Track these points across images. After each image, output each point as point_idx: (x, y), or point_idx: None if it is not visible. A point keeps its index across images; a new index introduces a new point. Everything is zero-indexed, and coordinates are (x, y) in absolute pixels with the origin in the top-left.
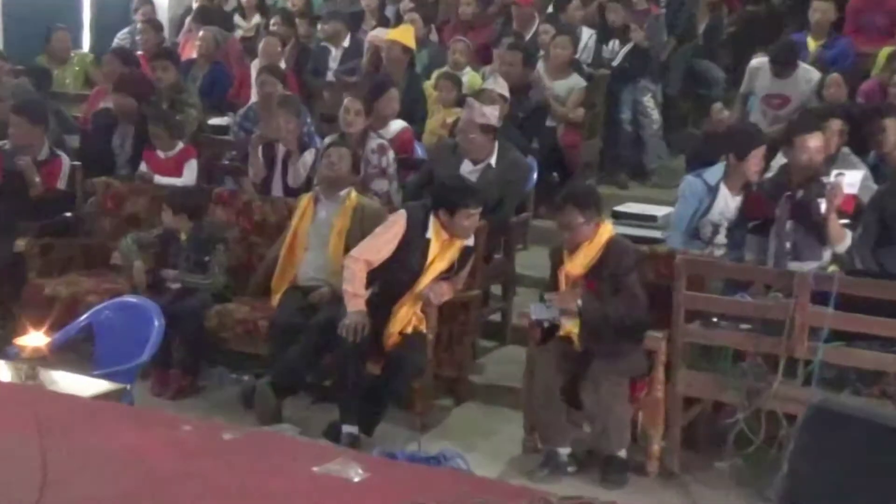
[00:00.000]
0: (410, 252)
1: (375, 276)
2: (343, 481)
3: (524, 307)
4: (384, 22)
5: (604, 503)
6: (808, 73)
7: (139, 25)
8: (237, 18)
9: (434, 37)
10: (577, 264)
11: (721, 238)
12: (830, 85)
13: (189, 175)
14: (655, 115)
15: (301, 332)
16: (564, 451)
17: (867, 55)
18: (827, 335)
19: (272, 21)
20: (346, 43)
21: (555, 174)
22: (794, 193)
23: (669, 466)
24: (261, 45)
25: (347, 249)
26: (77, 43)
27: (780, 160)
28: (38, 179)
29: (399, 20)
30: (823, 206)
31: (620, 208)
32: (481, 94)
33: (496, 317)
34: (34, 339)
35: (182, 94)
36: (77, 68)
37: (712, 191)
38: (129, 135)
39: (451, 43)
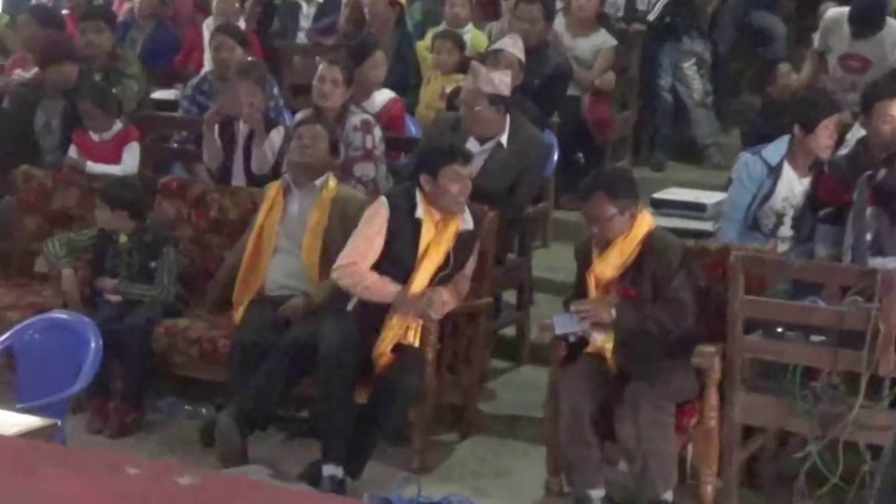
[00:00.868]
0: (399, 245)
1: None
2: None
3: (544, 318)
4: None
5: None
6: (894, 31)
7: None
8: None
9: None
10: (608, 265)
11: (786, 230)
12: None
13: (129, 162)
14: (702, 80)
15: (270, 354)
16: (597, 495)
17: None
18: None
19: None
20: None
21: (579, 154)
22: (875, 173)
23: None
24: (215, 0)
25: (326, 250)
26: None
27: (857, 132)
28: None
29: None
30: None
31: (661, 195)
32: (489, 57)
33: (510, 331)
34: None
35: (119, 63)
36: None
37: (774, 172)
38: (56, 113)
39: None
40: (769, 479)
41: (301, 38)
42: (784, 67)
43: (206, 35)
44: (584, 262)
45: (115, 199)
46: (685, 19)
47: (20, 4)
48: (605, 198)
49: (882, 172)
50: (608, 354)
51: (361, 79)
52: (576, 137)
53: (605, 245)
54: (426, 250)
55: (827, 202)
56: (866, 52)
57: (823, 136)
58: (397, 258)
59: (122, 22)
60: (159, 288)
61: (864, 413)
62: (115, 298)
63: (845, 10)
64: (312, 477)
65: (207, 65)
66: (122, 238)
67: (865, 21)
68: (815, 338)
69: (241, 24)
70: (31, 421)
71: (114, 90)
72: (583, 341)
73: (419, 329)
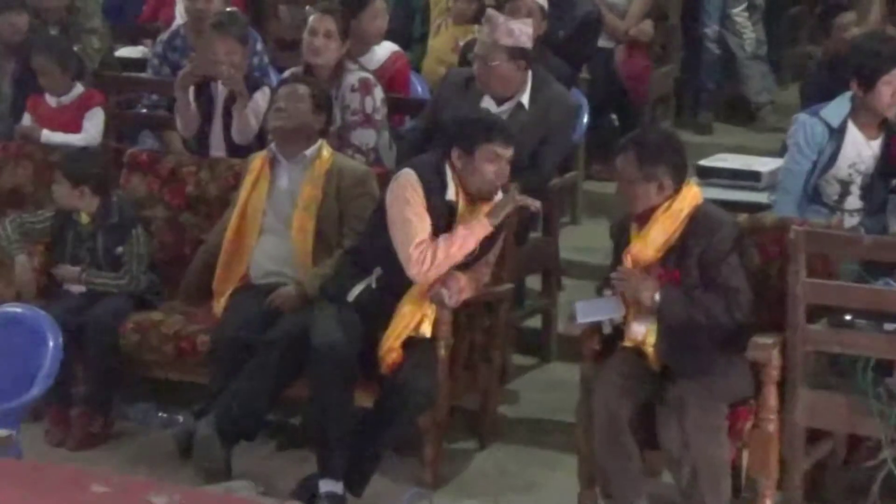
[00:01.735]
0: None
1: (372, 262)
2: None
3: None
4: None
5: None
6: None
7: None
8: None
9: None
10: (648, 244)
11: (854, 200)
12: None
13: (91, 130)
14: (754, 28)
15: (257, 351)
16: None
17: None
18: None
19: None
20: None
21: (613, 116)
22: None
23: None
24: None
25: (320, 230)
26: None
27: None
28: None
29: None
30: None
31: (707, 162)
32: (508, 4)
33: (535, 322)
34: None
35: (78, 16)
36: None
37: (836, 134)
38: (5, 74)
39: None
40: (838, 491)
41: None
42: (845, 17)
43: None
44: (620, 241)
45: (76, 173)
46: None
47: None
48: (633, 158)
49: None
50: (649, 349)
51: (359, 31)
52: (608, 96)
53: (645, 220)
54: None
55: None
56: None
57: (885, 94)
58: None
59: None
60: (127, 276)
61: None
62: (76, 289)
63: None
64: (308, 493)
65: (180, 17)
66: (84, 219)
67: None
68: (889, 326)
69: None
70: None
71: (73, 48)
72: (619, 332)
73: (434, 319)
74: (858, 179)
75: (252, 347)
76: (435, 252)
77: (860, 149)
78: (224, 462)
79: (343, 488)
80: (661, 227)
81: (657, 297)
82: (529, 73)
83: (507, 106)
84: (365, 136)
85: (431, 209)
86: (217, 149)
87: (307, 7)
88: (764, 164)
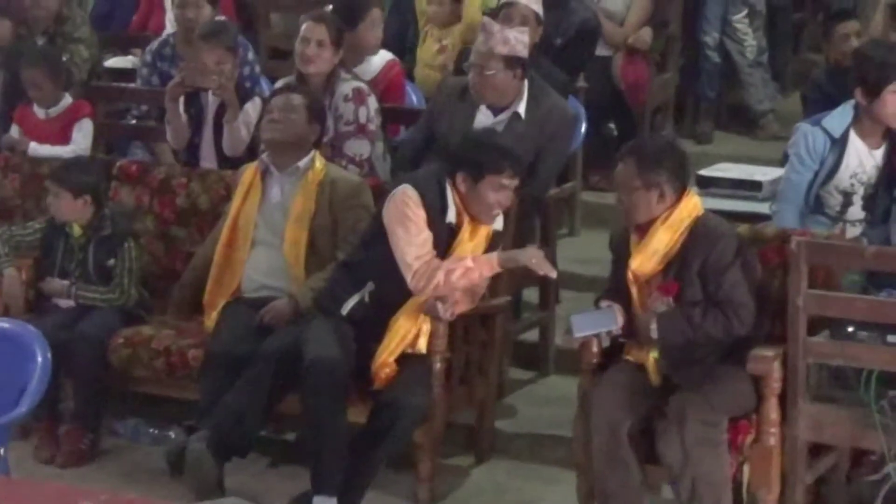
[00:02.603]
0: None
1: (366, 276)
2: None
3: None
4: None
5: None
6: None
7: None
8: None
9: None
10: (647, 256)
11: (856, 211)
12: None
13: (81, 142)
14: (755, 35)
15: (249, 366)
16: None
17: None
18: None
19: None
20: None
21: (611, 125)
22: None
23: None
24: None
25: (313, 243)
26: None
27: None
28: None
29: None
30: None
31: (708, 172)
32: (503, 11)
33: (532, 335)
34: None
35: (66, 24)
36: None
37: (839, 144)
38: None
39: None
40: None
41: None
42: (848, 25)
43: None
44: (620, 253)
45: (78, 184)
46: None
47: None
48: (633, 166)
49: None
50: (651, 368)
51: (356, 41)
52: (607, 105)
53: (644, 231)
54: (450, 253)
55: None
56: None
57: (892, 103)
58: None
59: None
60: (118, 290)
61: None
62: (65, 303)
63: None
64: None
65: (170, 26)
66: (77, 231)
67: None
68: (892, 338)
69: None
70: None
71: (62, 58)
72: (618, 345)
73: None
74: (861, 189)
75: (244, 362)
76: (435, 271)
77: (862, 158)
78: (216, 479)
79: None
80: (661, 238)
81: (654, 327)
82: (526, 82)
83: (503, 116)
84: (359, 147)
85: (432, 226)
86: (208, 160)
87: (301, 15)
88: (765, 174)
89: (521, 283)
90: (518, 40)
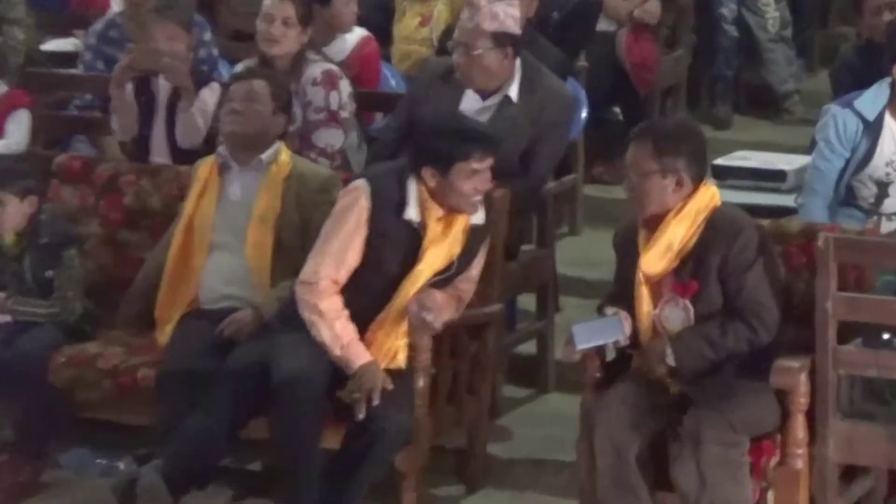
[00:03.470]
0: (385, 248)
1: None
2: None
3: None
4: None
5: None
6: None
7: None
8: None
9: None
10: (658, 254)
11: (892, 203)
12: None
13: (16, 135)
14: (778, 6)
15: (209, 386)
16: None
17: None
18: None
19: None
20: None
21: (616, 110)
22: None
23: None
24: None
25: (279, 246)
26: None
27: None
28: None
29: None
30: None
31: (725, 161)
32: None
33: (529, 347)
34: None
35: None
36: None
37: (872, 128)
38: None
39: None
40: None
41: None
42: None
43: None
44: (626, 253)
45: (21, 184)
46: None
47: None
48: (649, 148)
49: None
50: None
51: (330, 17)
52: (610, 87)
53: (654, 225)
54: (423, 255)
55: None
56: None
57: None
58: (380, 264)
59: None
60: (59, 303)
61: None
62: (1, 318)
63: None
64: None
65: (116, 5)
66: (9, 239)
67: None
68: None
69: None
70: None
71: None
72: (624, 358)
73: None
74: None
75: (203, 382)
76: (318, 302)
77: None
78: None
79: None
80: (674, 233)
81: (669, 353)
82: (518, 61)
83: (492, 100)
84: (330, 137)
85: (385, 224)
86: (159, 154)
87: None
88: (790, 163)
89: (517, 289)
90: (508, 15)
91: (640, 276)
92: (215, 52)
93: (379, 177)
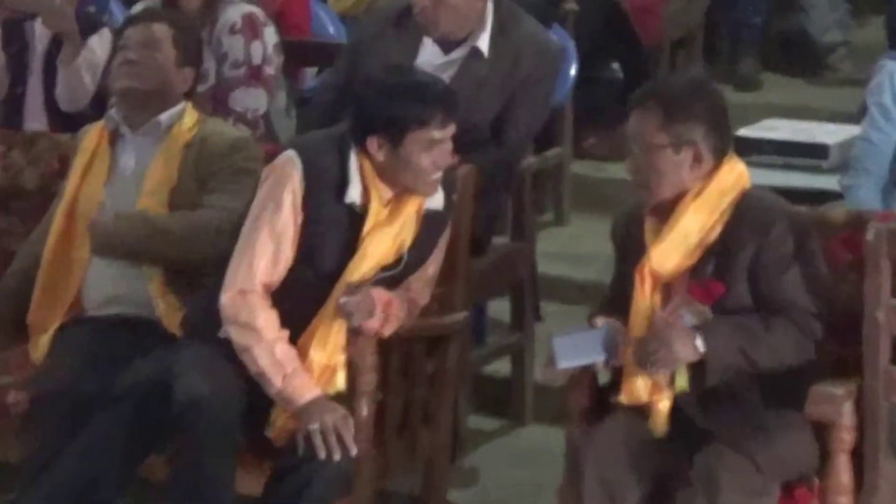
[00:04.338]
0: (320, 235)
1: None
2: None
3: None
4: None
5: None
6: None
7: None
8: None
9: None
10: (675, 246)
11: None
12: None
13: None
14: None
15: (97, 411)
16: None
17: None
18: None
19: None
20: None
21: (614, 65)
22: None
23: None
24: None
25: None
26: None
27: None
28: None
29: None
30: None
31: (752, 131)
32: None
33: (502, 366)
34: None
35: None
36: None
37: None
38: None
39: None
40: None
41: None
42: None
43: None
44: (629, 245)
45: None
46: None
47: None
48: (657, 113)
49: None
50: (662, 404)
51: None
52: (606, 37)
53: (664, 213)
54: (365, 246)
55: None
56: None
57: None
58: (314, 258)
59: None
60: None
61: None
62: None
63: None
64: None
65: None
66: None
67: None
68: None
69: None
70: None
71: None
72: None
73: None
74: None
75: (90, 406)
76: (251, 320)
77: None
78: None
79: None
80: (691, 221)
81: (699, 341)
82: (490, 3)
83: (457, 53)
84: (251, 99)
85: (321, 207)
86: (35, 119)
87: None
88: (833, 134)
89: (486, 292)
90: None
91: (645, 275)
92: None
93: (312, 147)
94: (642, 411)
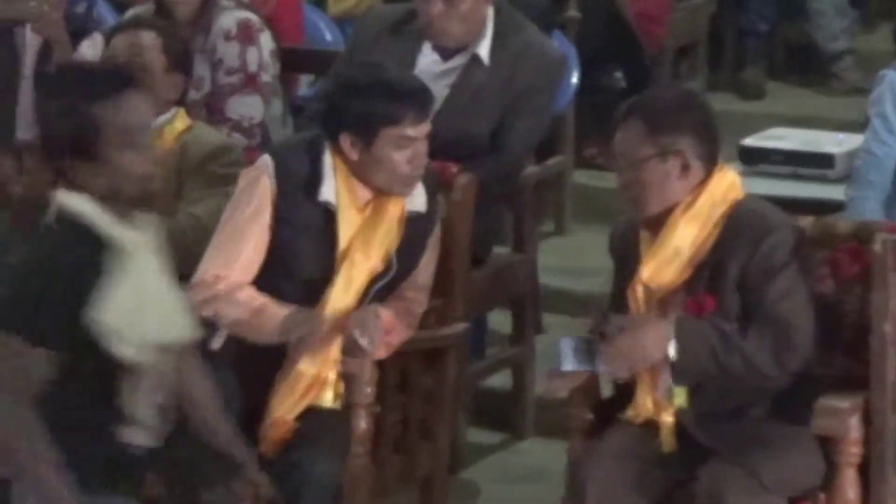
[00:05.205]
0: (297, 242)
1: None
2: None
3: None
4: None
5: None
6: None
7: None
8: None
9: None
10: (667, 260)
11: None
12: None
13: None
14: None
15: None
16: None
17: None
18: None
19: None
20: None
21: (617, 74)
22: None
23: None
24: None
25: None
26: None
27: None
28: None
29: None
30: None
31: (756, 140)
32: None
33: (502, 380)
34: None
35: None
36: None
37: None
38: None
39: None
40: None
41: None
42: None
43: None
44: (625, 259)
45: None
46: None
47: None
48: (640, 127)
49: None
50: (666, 420)
51: None
52: (608, 44)
53: (658, 224)
54: (347, 251)
55: None
56: None
57: None
58: (293, 264)
59: None
60: None
61: None
62: None
63: None
64: None
65: None
66: None
67: None
68: None
69: None
70: None
71: None
72: (626, 393)
73: (341, 381)
74: None
75: None
76: (218, 297)
77: None
78: None
79: None
80: (683, 235)
81: (671, 344)
82: (490, 11)
83: (456, 61)
84: (247, 106)
85: (296, 211)
86: (27, 129)
87: None
88: (839, 143)
89: (486, 304)
90: None
91: (638, 290)
92: None
93: (285, 149)
94: (646, 426)
